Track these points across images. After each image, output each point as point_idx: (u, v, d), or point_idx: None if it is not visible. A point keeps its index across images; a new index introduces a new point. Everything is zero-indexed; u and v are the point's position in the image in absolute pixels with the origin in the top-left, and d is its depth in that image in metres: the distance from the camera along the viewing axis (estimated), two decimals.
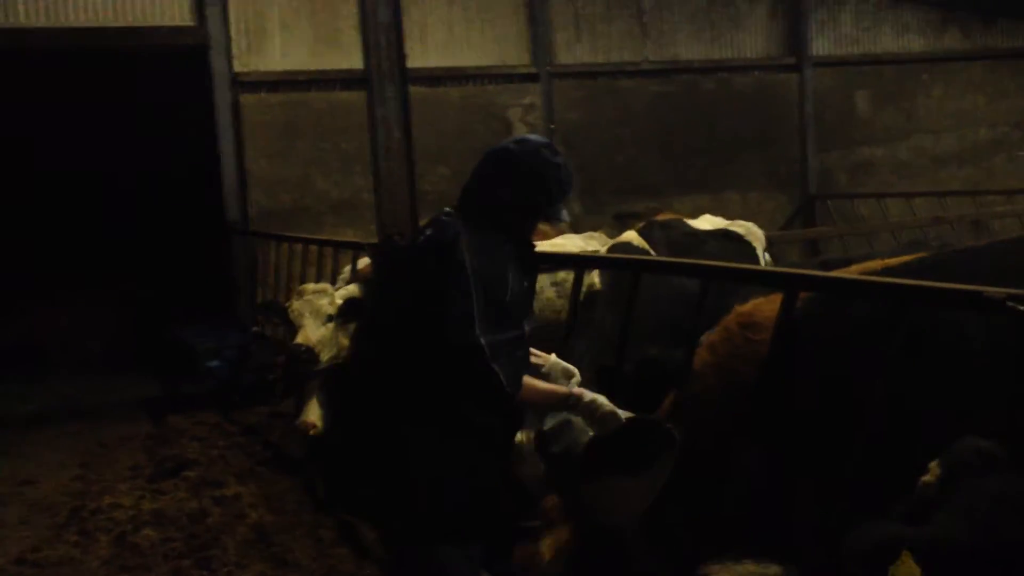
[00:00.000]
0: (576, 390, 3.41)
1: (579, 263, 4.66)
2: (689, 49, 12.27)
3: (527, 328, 3.31)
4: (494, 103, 11.35)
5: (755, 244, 6.35)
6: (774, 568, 2.91)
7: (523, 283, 3.34)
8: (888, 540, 1.96)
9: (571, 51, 11.79)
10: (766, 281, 3.62)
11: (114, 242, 12.60)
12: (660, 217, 8.02)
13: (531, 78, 11.50)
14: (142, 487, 6.86)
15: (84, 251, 12.41)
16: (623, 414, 3.32)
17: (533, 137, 3.51)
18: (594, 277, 4.40)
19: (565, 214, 3.46)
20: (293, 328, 6.11)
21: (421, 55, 10.79)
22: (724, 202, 11.84)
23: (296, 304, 6.18)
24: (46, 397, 10.11)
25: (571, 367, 3.61)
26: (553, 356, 3.62)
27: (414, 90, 10.48)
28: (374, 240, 8.17)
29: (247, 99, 10.39)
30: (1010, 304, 2.39)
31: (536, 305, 5.29)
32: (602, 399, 3.36)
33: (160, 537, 5.87)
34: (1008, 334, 2.58)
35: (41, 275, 11.90)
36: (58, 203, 12.50)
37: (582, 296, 4.45)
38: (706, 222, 6.61)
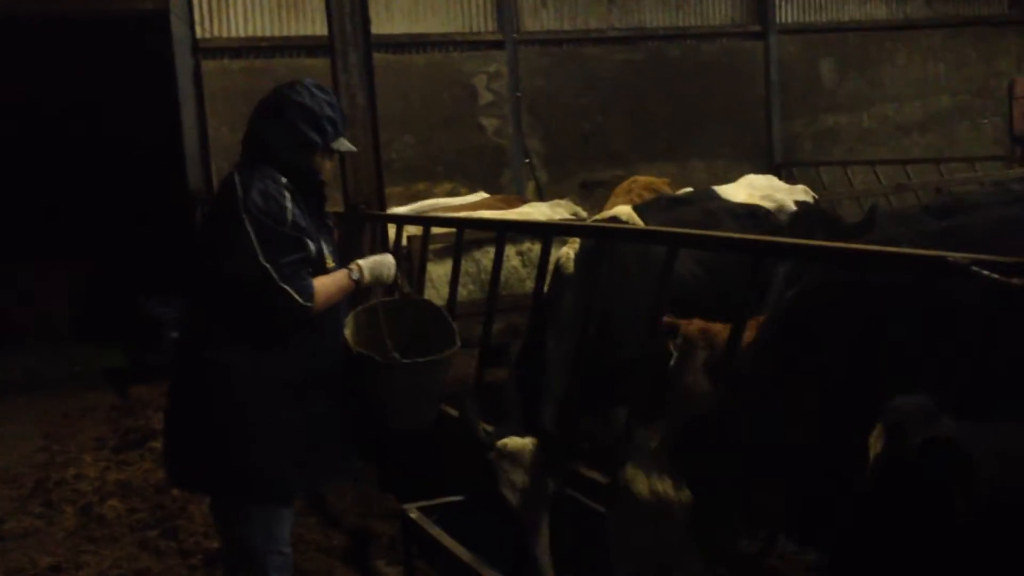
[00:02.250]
0: (352, 265, 3.70)
1: (546, 231, 4.64)
2: (655, 16, 12.23)
3: (310, 249, 3.49)
4: (460, 70, 11.27)
5: (784, 221, 5.83)
6: (686, 492, 2.98)
7: (309, 212, 3.56)
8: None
9: (537, 18, 11.71)
10: (734, 247, 3.63)
11: (77, 211, 12.43)
12: (648, 182, 7.75)
13: (496, 45, 11.42)
14: (107, 458, 6.82)
15: (47, 220, 12.24)
16: (391, 258, 3.79)
17: (307, 78, 3.73)
18: (569, 258, 4.34)
19: (345, 143, 3.72)
20: None
21: (386, 21, 10.68)
22: (689, 170, 11.87)
23: None
24: (9, 368, 10.00)
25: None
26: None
27: (379, 57, 10.28)
28: (339, 208, 8.09)
29: (209, 66, 10.23)
30: (975, 269, 2.42)
31: (502, 274, 5.32)
32: (376, 258, 3.78)
33: (126, 508, 5.85)
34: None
35: (3, 244, 11.72)
36: (19, 172, 12.30)
37: (549, 276, 4.43)
38: (743, 191, 6.12)
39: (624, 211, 4.86)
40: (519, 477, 3.85)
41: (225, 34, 10.27)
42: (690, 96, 12.20)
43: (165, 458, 3.79)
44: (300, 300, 3.37)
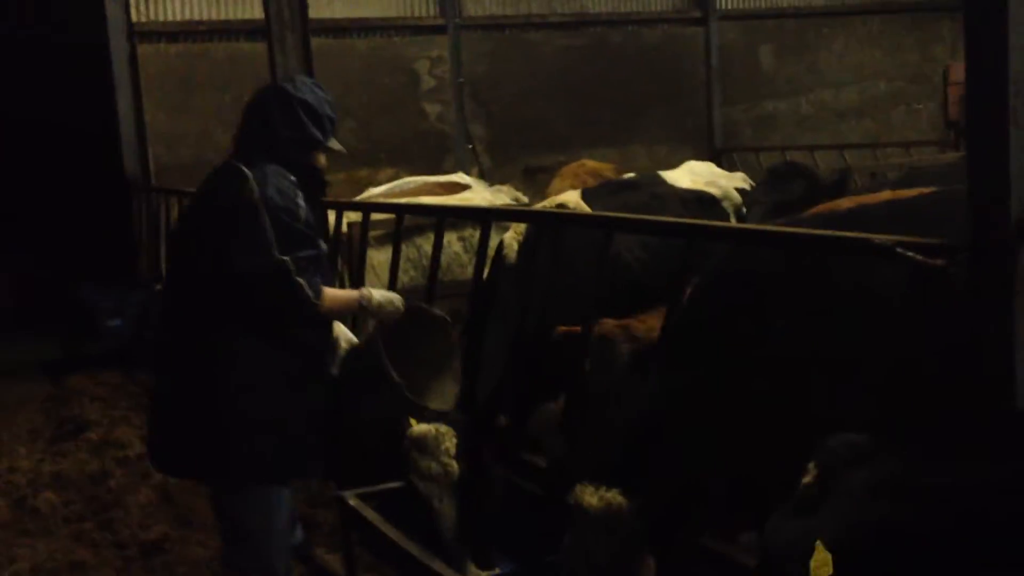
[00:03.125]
0: (365, 290, 3.75)
1: (485, 216, 4.63)
2: (597, 2, 12.25)
3: (322, 247, 3.58)
4: (401, 55, 11.20)
5: (729, 209, 5.97)
6: (640, 500, 3.01)
7: (314, 208, 3.63)
8: (798, 534, 2.04)
9: (479, 3, 11.67)
10: (670, 231, 3.66)
11: (8, 198, 12.16)
12: (595, 166, 7.76)
13: (438, 30, 11.36)
14: (42, 449, 6.71)
15: None
16: (400, 300, 3.78)
17: (302, 76, 3.87)
18: (511, 247, 4.35)
19: (336, 143, 3.77)
20: None
21: (326, 5, 10.57)
22: (631, 155, 11.92)
23: None
24: None
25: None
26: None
27: (319, 41, 10.18)
28: None
29: (145, 50, 10.06)
30: (899, 250, 2.45)
31: (443, 259, 5.31)
32: (387, 294, 3.79)
33: (61, 500, 5.76)
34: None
35: None
36: None
37: (489, 262, 4.44)
38: (687, 177, 6.15)
39: (571, 198, 4.87)
40: (427, 464, 3.90)
41: (161, 17, 10.10)
42: (632, 82, 12.25)
43: (155, 447, 3.76)
44: (312, 296, 3.40)
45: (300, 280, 3.37)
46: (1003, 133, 2.19)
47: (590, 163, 7.89)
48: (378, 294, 3.74)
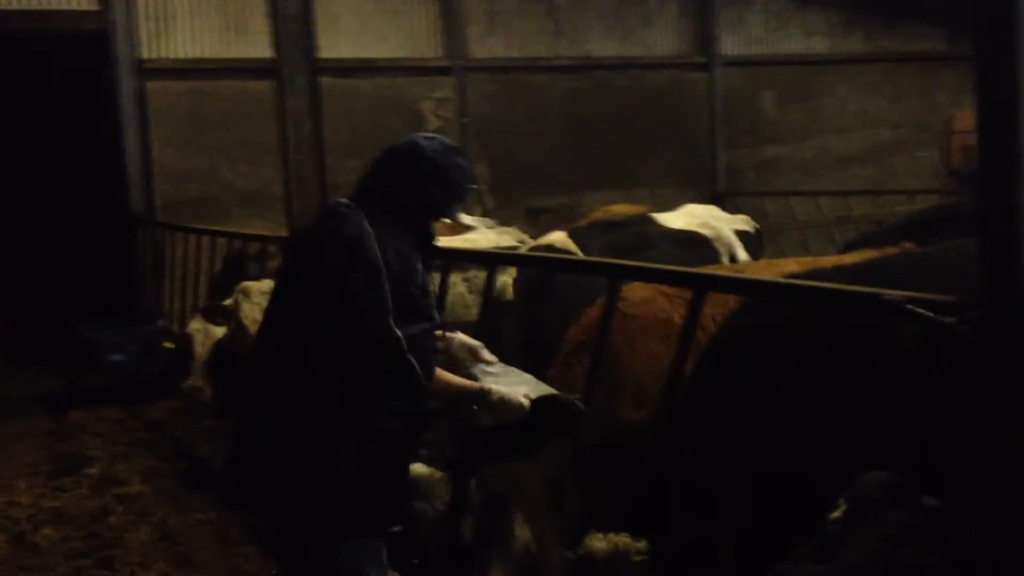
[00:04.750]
0: (487, 385, 3.46)
1: (491, 260, 4.64)
2: (601, 46, 12.35)
3: (436, 319, 3.38)
4: (406, 96, 11.27)
5: (720, 249, 6.00)
6: (644, 542, 3.00)
7: (427, 276, 3.41)
8: None
9: (484, 45, 11.77)
10: (674, 281, 3.66)
11: (13, 231, 12.18)
12: (621, 210, 7.73)
13: (444, 71, 11.45)
14: (42, 485, 6.68)
15: None
16: (527, 401, 3.42)
17: (440, 136, 3.56)
18: (507, 283, 4.36)
19: (461, 215, 3.50)
20: (244, 331, 5.95)
21: (333, 46, 10.65)
22: (635, 198, 11.93)
23: (246, 306, 6.04)
24: None
25: (474, 342, 3.68)
26: (459, 335, 3.68)
27: (325, 81, 10.36)
28: (284, 233, 8.05)
29: (152, 86, 10.13)
30: (909, 307, 2.46)
31: (448, 301, 5.31)
32: (510, 393, 3.42)
33: (60, 536, 5.73)
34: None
35: None
36: None
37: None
38: (682, 218, 6.20)
39: (559, 237, 4.89)
40: (421, 507, 3.86)
41: (170, 55, 10.18)
42: (636, 125, 12.32)
43: (242, 481, 3.53)
44: (421, 376, 3.24)
45: (411, 359, 3.19)
46: (1015, 191, 2.20)
47: (620, 207, 7.82)
48: (500, 392, 3.42)
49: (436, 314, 3.37)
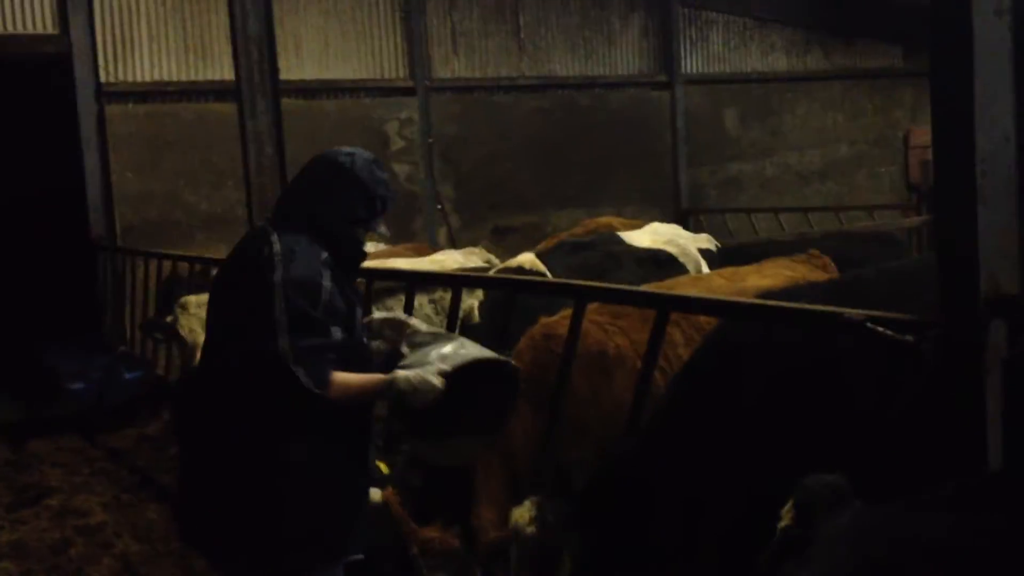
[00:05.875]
0: (392, 375, 3.31)
1: (456, 282, 4.63)
2: (565, 65, 12.42)
3: (334, 335, 3.24)
4: (371, 116, 11.26)
5: (688, 265, 6.01)
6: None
7: (345, 290, 3.35)
8: None
9: (448, 65, 11.79)
10: (639, 300, 3.66)
11: None
12: (590, 228, 7.71)
13: (408, 92, 11.45)
14: (1, 517, 6.54)
15: None
16: (439, 380, 3.26)
17: (359, 150, 3.53)
18: (474, 305, 4.34)
19: (384, 228, 3.53)
20: (184, 344, 5.90)
21: (296, 67, 10.63)
22: (600, 216, 11.98)
23: (184, 319, 5.98)
24: None
25: (397, 316, 3.62)
26: (377, 314, 3.63)
27: (289, 102, 10.29)
28: None
29: (113, 110, 10.04)
30: (869, 326, 2.47)
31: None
32: (420, 374, 3.28)
33: (20, 570, 5.60)
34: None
35: None
36: None
37: (459, 324, 4.43)
38: (647, 236, 6.23)
39: (527, 259, 4.89)
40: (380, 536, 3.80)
41: (130, 78, 10.10)
42: (600, 144, 12.38)
43: (190, 523, 3.53)
44: (311, 385, 3.15)
45: (296, 368, 3.13)
46: (971, 211, 2.22)
47: (589, 229, 7.78)
48: (407, 377, 3.29)
49: (336, 331, 3.25)
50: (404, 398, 3.28)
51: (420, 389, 3.27)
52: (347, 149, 3.50)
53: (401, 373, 3.31)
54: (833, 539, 1.95)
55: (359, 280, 5.85)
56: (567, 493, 3.56)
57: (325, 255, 3.31)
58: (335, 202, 3.38)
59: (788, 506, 2.07)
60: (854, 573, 1.86)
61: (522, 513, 3.28)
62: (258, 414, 3.24)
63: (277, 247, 3.25)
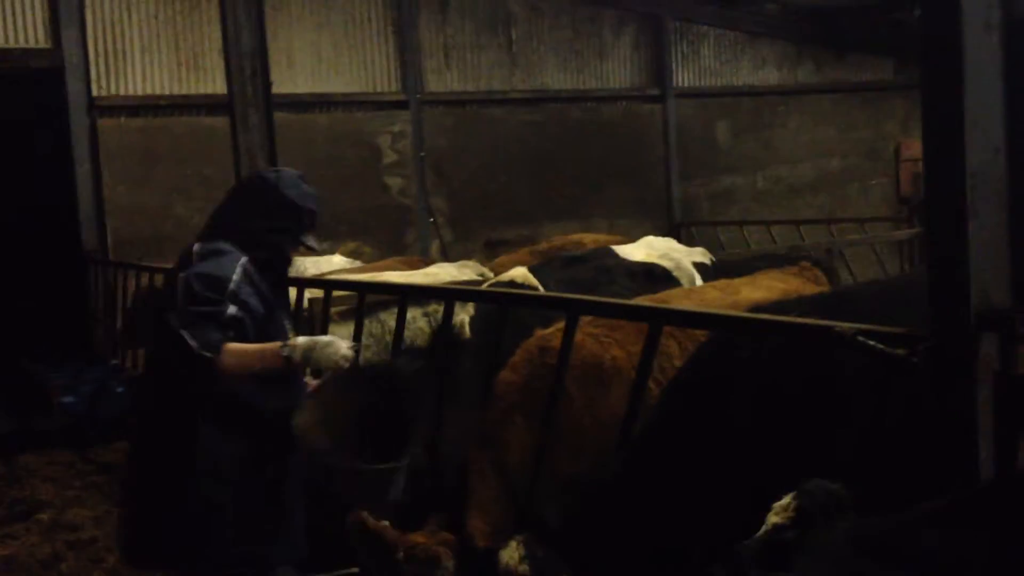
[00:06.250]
0: (291, 341, 3.44)
1: (449, 296, 4.62)
2: (557, 79, 12.45)
3: (232, 310, 3.35)
4: (363, 130, 11.27)
5: (683, 280, 5.97)
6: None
7: (264, 293, 3.49)
8: None
9: (440, 79, 11.81)
10: (631, 314, 3.67)
11: None
12: (580, 241, 7.69)
13: (400, 105, 11.47)
14: None
15: None
16: (346, 346, 3.38)
17: (285, 168, 3.76)
18: (464, 319, 4.34)
19: (314, 241, 3.72)
20: None
21: (289, 81, 10.63)
22: (593, 228, 11.97)
23: None
24: None
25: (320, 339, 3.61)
26: (298, 340, 3.64)
27: (281, 116, 10.29)
28: None
29: (105, 124, 10.04)
30: (860, 339, 2.47)
31: (407, 335, 5.28)
32: (321, 338, 3.42)
33: None
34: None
35: None
36: None
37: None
38: (641, 250, 6.21)
39: (520, 273, 4.89)
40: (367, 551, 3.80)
41: (122, 92, 10.10)
42: (592, 156, 12.41)
43: (127, 539, 3.66)
44: (197, 347, 3.26)
45: (185, 332, 3.28)
46: (962, 225, 2.23)
47: (580, 242, 7.79)
48: (304, 342, 3.40)
49: (232, 307, 3.37)
50: (309, 356, 3.34)
51: (324, 346, 3.35)
52: (276, 168, 3.78)
53: (299, 338, 3.44)
54: (825, 550, 1.95)
55: (350, 293, 5.86)
56: (559, 511, 3.56)
57: (245, 259, 3.47)
58: (261, 215, 3.56)
59: (786, 502, 2.06)
60: None
61: (511, 554, 3.28)
62: (175, 417, 3.40)
63: (197, 249, 3.47)
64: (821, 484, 2.10)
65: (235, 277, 3.40)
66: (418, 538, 3.53)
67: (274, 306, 3.58)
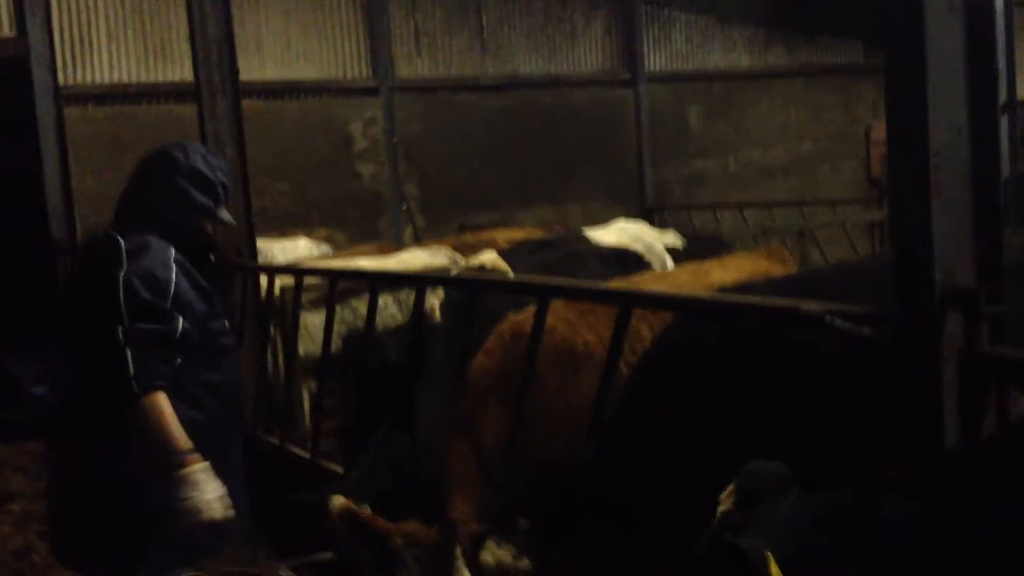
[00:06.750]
0: (196, 468, 3.04)
1: (420, 282, 4.62)
2: (528, 64, 12.42)
3: (182, 326, 3.16)
4: (334, 117, 11.21)
5: (654, 263, 5.98)
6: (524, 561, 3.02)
7: (199, 283, 3.33)
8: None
9: (411, 65, 11.76)
10: (601, 297, 3.67)
11: None
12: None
13: (371, 92, 11.42)
14: None
15: None
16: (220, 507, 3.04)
17: (190, 142, 3.58)
18: (435, 304, 4.33)
19: (227, 215, 3.57)
20: None
21: (258, 67, 10.56)
22: (566, 214, 12.02)
23: None
24: None
25: None
26: None
27: (251, 103, 10.22)
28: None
29: (72, 112, 9.93)
30: (828, 319, 2.49)
31: (379, 321, 5.26)
32: (214, 489, 3.06)
33: None
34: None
35: None
36: None
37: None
38: (612, 234, 6.20)
39: (489, 258, 4.89)
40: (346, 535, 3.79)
41: (89, 80, 10.00)
42: (564, 142, 12.40)
43: (57, 539, 3.54)
44: (133, 374, 3.00)
45: (129, 351, 3.01)
46: (926, 205, 2.25)
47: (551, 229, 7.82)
48: (201, 476, 3.02)
49: (181, 322, 3.16)
50: (179, 501, 3.03)
51: (200, 496, 3.03)
52: (178, 143, 3.52)
53: (202, 470, 3.07)
54: (769, 526, 1.97)
55: (322, 281, 5.85)
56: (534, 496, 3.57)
57: (173, 251, 3.30)
58: (177, 197, 3.40)
59: (729, 490, 2.08)
60: (788, 562, 1.88)
61: (494, 554, 3.27)
62: (100, 420, 3.23)
63: (124, 245, 3.24)
64: (761, 464, 2.12)
65: (172, 276, 3.21)
66: (413, 526, 3.52)
67: (213, 296, 3.42)
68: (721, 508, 2.06)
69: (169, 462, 3.03)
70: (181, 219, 3.40)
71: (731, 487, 2.07)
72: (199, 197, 3.43)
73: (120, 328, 3.05)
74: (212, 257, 3.54)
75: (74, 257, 3.62)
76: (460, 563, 3.20)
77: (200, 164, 3.44)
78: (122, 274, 3.16)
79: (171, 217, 3.39)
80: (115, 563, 3.36)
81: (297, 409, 6.19)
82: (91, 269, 3.39)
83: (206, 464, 3.08)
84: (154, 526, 3.19)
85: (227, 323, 3.54)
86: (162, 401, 3.05)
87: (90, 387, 3.30)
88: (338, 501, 3.72)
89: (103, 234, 3.40)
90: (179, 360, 3.17)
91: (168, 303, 3.17)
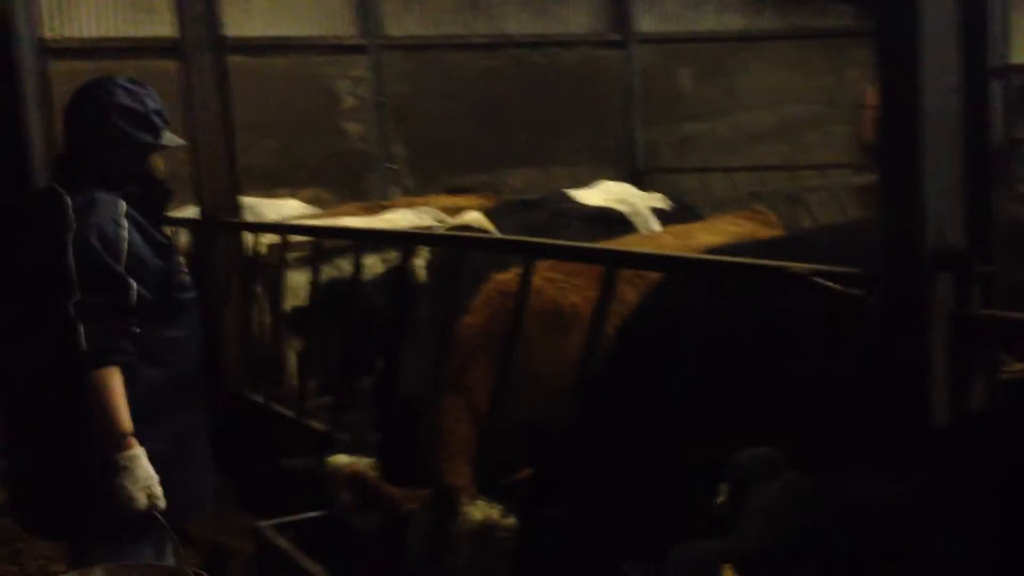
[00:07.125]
0: (134, 453, 2.96)
1: (405, 240, 4.58)
2: (518, 23, 12.30)
3: (130, 287, 3.04)
4: (321, 75, 11.09)
5: (639, 224, 5.92)
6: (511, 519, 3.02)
7: (155, 237, 3.19)
8: (704, 557, 2.01)
9: (400, 23, 11.63)
10: (586, 257, 3.64)
11: None
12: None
13: (359, 50, 11.29)
14: None
15: None
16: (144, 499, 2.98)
17: (113, 77, 3.34)
18: (420, 267, 4.31)
19: (171, 137, 3.35)
20: None
21: (243, 23, 10.40)
22: (554, 176, 11.94)
23: None
24: None
25: None
26: None
27: (236, 60, 10.05)
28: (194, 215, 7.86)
29: (56, 66, 9.75)
30: (815, 279, 2.47)
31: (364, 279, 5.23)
32: (150, 484, 2.98)
33: None
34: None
35: None
36: None
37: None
38: (598, 194, 6.16)
39: (474, 217, 4.88)
40: (346, 496, 3.78)
41: (74, 34, 9.85)
42: (553, 103, 12.30)
43: (18, 506, 3.44)
44: (87, 350, 2.91)
45: (82, 326, 2.90)
46: (917, 164, 2.21)
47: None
48: (139, 467, 2.95)
49: (134, 287, 3.03)
50: (123, 477, 2.96)
51: (134, 482, 2.96)
52: (98, 80, 3.28)
53: (142, 466, 2.99)
54: (759, 512, 1.98)
55: (310, 239, 5.80)
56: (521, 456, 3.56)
57: (123, 204, 3.13)
58: (116, 141, 3.18)
59: (723, 487, 2.12)
60: (777, 545, 1.88)
61: (482, 511, 3.26)
62: (44, 379, 3.10)
63: (71, 203, 3.07)
64: (750, 453, 2.14)
65: (124, 235, 3.05)
66: (419, 493, 3.49)
67: (170, 250, 3.26)
68: (719, 500, 2.09)
69: (107, 442, 2.97)
70: (125, 163, 3.21)
71: (723, 486, 2.10)
72: (137, 135, 3.21)
73: (70, 302, 2.93)
74: (167, 200, 3.38)
75: (11, 215, 3.41)
76: (465, 528, 3.20)
77: (125, 99, 3.21)
78: (71, 236, 2.99)
79: (116, 168, 3.20)
80: (65, 530, 3.31)
81: (282, 368, 6.17)
82: (34, 230, 3.18)
83: (141, 451, 2.98)
84: (94, 499, 3.08)
85: (187, 277, 3.37)
86: (113, 378, 2.96)
87: (33, 357, 3.16)
88: (342, 461, 3.70)
89: (45, 189, 3.23)
90: (136, 329, 3.04)
91: (121, 266, 3.02)
